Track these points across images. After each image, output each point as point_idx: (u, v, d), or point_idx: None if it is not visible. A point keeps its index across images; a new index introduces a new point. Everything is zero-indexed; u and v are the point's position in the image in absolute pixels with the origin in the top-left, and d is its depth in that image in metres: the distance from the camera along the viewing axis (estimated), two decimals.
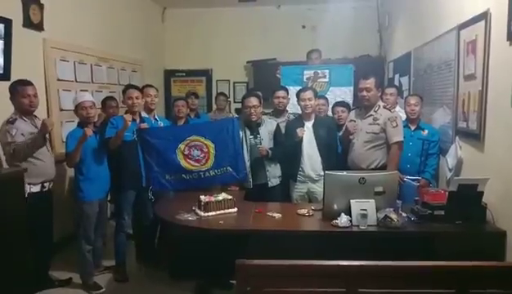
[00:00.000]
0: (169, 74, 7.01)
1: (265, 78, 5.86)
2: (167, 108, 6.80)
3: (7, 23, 3.14)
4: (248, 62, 6.67)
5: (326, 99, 4.19)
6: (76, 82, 4.25)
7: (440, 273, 1.73)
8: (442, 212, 2.55)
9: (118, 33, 5.19)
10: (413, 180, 3.30)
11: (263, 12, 6.53)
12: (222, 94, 5.77)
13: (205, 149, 3.36)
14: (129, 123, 3.16)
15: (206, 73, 6.97)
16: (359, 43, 6.09)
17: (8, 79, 3.15)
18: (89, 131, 3.08)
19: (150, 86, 3.78)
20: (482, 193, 2.50)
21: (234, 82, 6.92)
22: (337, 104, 4.00)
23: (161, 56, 6.82)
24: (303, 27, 6.41)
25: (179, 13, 6.76)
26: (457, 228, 2.50)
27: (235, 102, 6.71)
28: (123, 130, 3.15)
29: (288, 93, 3.96)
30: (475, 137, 2.81)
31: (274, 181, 3.48)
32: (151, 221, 3.55)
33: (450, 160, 3.15)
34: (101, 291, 3.26)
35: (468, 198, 2.49)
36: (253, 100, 3.44)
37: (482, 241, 2.47)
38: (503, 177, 2.46)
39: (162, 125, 3.70)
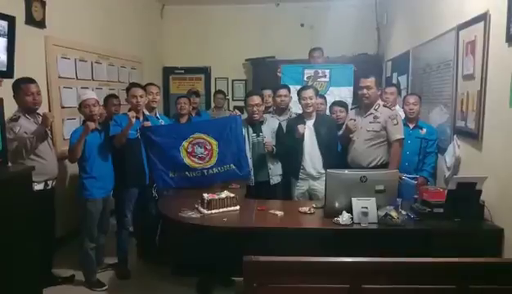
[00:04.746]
0: (168, 72, 7.01)
1: (264, 76, 5.86)
2: (165, 105, 6.83)
3: (11, 20, 3.12)
4: (246, 60, 6.68)
5: (324, 98, 4.19)
6: (77, 79, 4.25)
7: (441, 270, 1.76)
8: (441, 210, 2.61)
9: (118, 31, 5.19)
10: (411, 178, 3.34)
11: (262, 10, 6.53)
12: (220, 92, 5.78)
13: (208, 147, 3.38)
14: (134, 121, 3.17)
15: (205, 71, 6.98)
16: (357, 41, 6.11)
17: (11, 77, 3.14)
18: (92, 124, 3.08)
19: (153, 84, 3.79)
20: (480, 191, 2.56)
21: (232, 80, 6.94)
22: (335, 103, 4.01)
23: (160, 54, 6.82)
24: (302, 25, 6.41)
25: (178, 10, 6.76)
26: (456, 225, 2.55)
27: (233, 100, 6.73)
28: (128, 127, 3.16)
29: (290, 91, 3.98)
30: (473, 136, 2.86)
31: (275, 179, 3.53)
32: (153, 218, 3.58)
33: (448, 159, 3.20)
34: (104, 288, 3.28)
35: (466, 196, 2.55)
36: (256, 99, 3.47)
37: (480, 238, 2.52)
38: (500, 176, 2.51)
39: (163, 123, 3.73)
